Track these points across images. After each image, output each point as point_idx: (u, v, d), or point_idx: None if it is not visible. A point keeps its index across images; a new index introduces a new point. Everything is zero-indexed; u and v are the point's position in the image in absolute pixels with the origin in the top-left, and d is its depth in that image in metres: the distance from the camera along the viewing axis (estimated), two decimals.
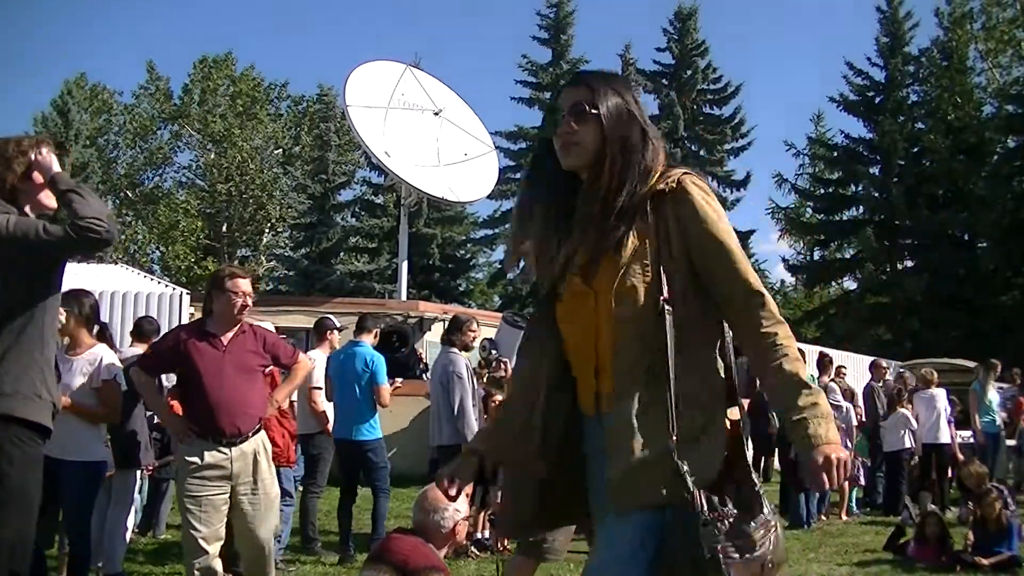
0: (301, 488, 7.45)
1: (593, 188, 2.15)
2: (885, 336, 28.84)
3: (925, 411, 10.60)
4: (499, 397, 7.68)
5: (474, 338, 7.31)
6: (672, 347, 2.03)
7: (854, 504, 10.57)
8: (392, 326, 13.66)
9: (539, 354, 2.23)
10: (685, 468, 1.97)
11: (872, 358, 13.57)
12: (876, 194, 29.37)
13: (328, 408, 7.19)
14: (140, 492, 7.08)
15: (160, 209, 37.30)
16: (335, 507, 7.15)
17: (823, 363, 10.29)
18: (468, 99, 17.69)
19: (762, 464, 12.42)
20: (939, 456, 10.63)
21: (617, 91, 2.17)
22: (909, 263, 30.15)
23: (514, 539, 5.21)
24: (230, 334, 4.59)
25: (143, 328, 6.69)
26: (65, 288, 3.50)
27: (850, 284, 32.45)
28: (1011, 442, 12.43)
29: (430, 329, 14.55)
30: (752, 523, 2.01)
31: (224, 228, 37.08)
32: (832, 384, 10.10)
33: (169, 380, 5.71)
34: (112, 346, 5.20)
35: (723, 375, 2.21)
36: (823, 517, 9.69)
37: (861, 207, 30.70)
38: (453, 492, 2.34)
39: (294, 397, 7.51)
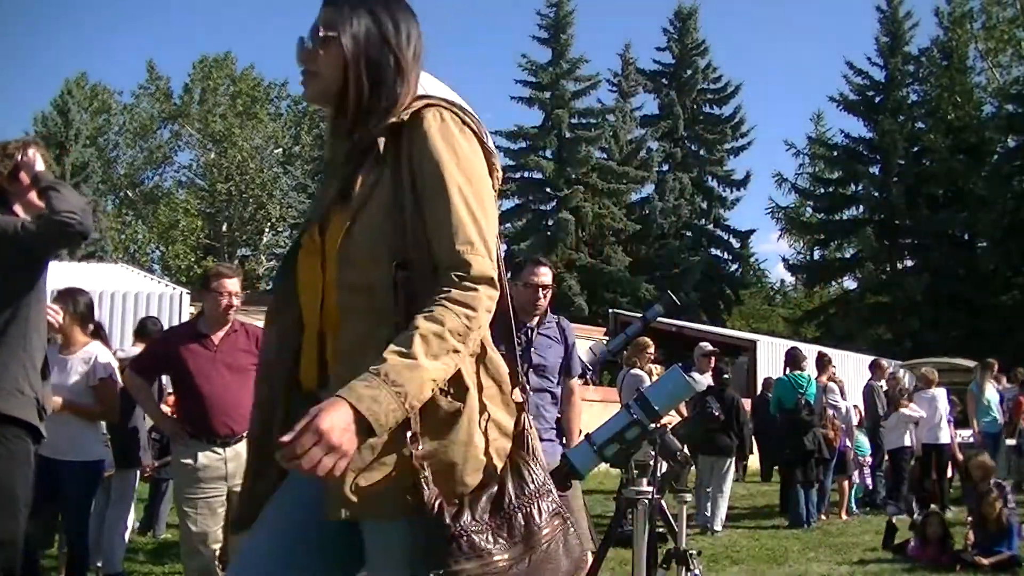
0: None
1: (337, 126, 1.81)
2: (885, 336, 28.85)
3: (926, 411, 10.60)
4: None
5: None
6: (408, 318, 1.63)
7: (854, 504, 10.57)
8: None
9: (281, 320, 1.83)
10: (427, 471, 1.60)
11: (872, 358, 13.56)
12: (876, 194, 29.40)
13: None
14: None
15: (160, 209, 37.30)
16: None
17: (822, 363, 10.28)
18: (468, 99, 17.72)
19: (754, 463, 12.43)
20: (939, 456, 10.63)
21: (373, 11, 1.78)
22: (909, 263, 30.17)
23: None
24: (221, 334, 4.57)
25: (147, 328, 6.67)
26: (63, 286, 3.52)
27: (850, 284, 32.50)
28: (1011, 442, 12.42)
29: None
30: (501, 540, 1.64)
31: (224, 228, 37.08)
32: (832, 384, 10.10)
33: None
34: (107, 344, 5.18)
35: (490, 351, 1.76)
36: (823, 516, 9.69)
37: (861, 207, 30.73)
38: None
39: None
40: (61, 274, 6.70)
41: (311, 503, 1.68)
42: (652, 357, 8.42)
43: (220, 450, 4.46)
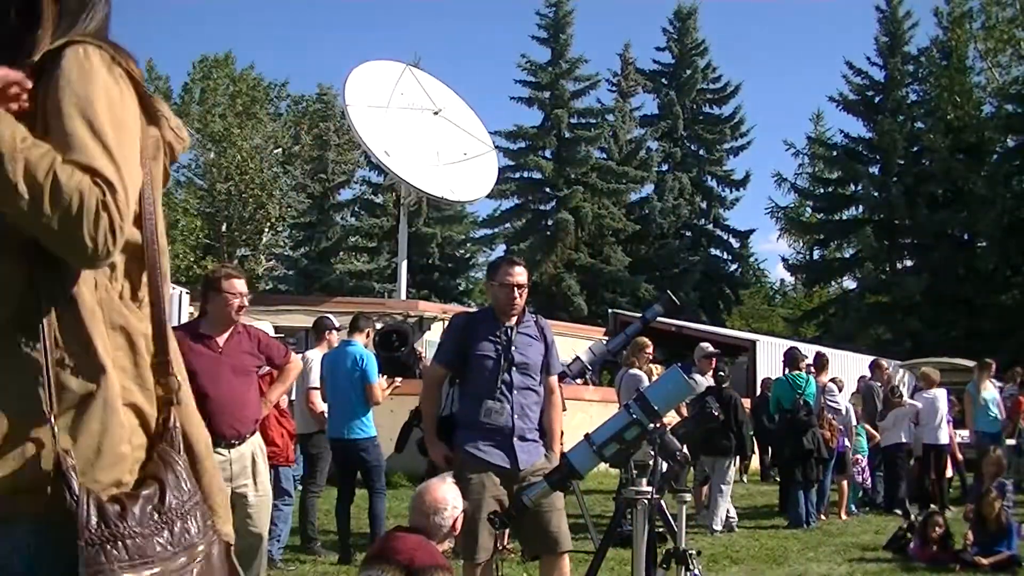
0: (300, 488, 7.46)
1: None
2: (885, 335, 28.84)
3: (926, 411, 10.61)
4: None
5: None
6: (46, 290, 1.41)
7: (853, 504, 10.57)
8: (391, 325, 13.66)
9: None
10: (71, 461, 1.37)
11: (872, 357, 13.57)
12: (875, 193, 29.39)
13: (326, 408, 7.18)
14: None
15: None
16: (335, 506, 7.15)
17: (820, 362, 10.28)
18: (467, 98, 17.68)
19: (752, 462, 12.40)
20: (938, 456, 10.64)
21: None
22: (908, 262, 30.16)
23: None
24: (225, 335, 4.55)
25: None
26: None
27: (850, 283, 32.48)
28: (1011, 441, 12.43)
29: (429, 328, 14.57)
30: (164, 547, 1.42)
31: (224, 227, 37.07)
32: (831, 384, 10.10)
33: None
34: None
35: (133, 329, 1.51)
36: (823, 516, 9.69)
37: (860, 206, 30.73)
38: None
39: (293, 396, 7.53)
40: None
41: None
42: (651, 357, 8.42)
43: (225, 452, 4.42)
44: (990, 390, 11.68)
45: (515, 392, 4.16)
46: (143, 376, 1.51)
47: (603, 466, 3.64)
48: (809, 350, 11.64)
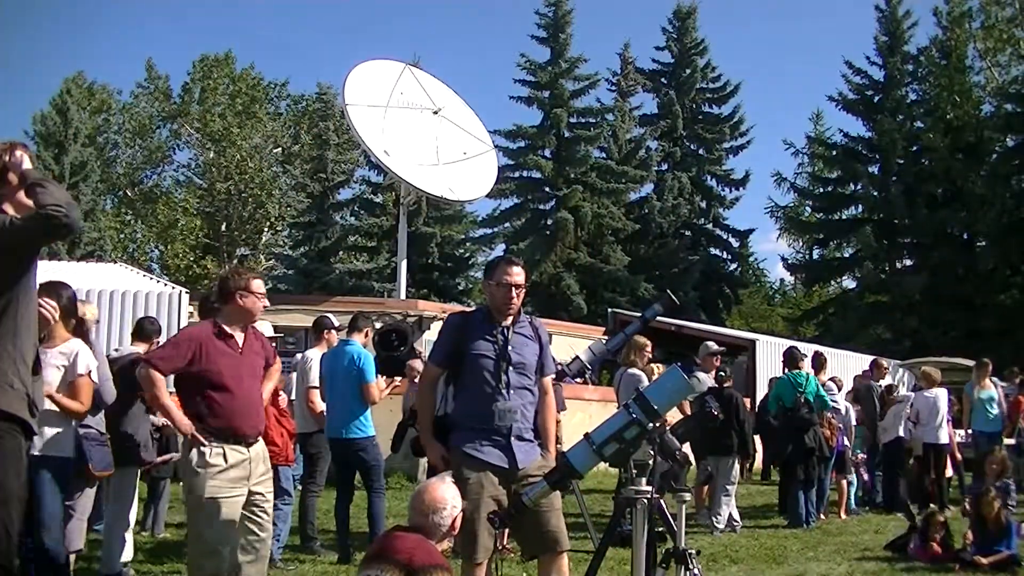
0: (300, 487, 7.45)
1: None
2: (884, 335, 28.83)
3: (927, 411, 10.61)
4: None
5: None
6: None
7: (853, 503, 10.57)
8: (391, 325, 13.58)
9: None
10: None
11: (872, 357, 13.57)
12: (875, 193, 29.39)
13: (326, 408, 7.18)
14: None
15: (159, 208, 37.29)
16: (334, 506, 7.14)
17: (819, 362, 10.28)
18: (467, 98, 17.67)
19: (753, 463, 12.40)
20: (938, 456, 10.64)
21: None
22: (908, 262, 30.16)
23: None
24: (241, 336, 4.60)
25: (144, 328, 6.65)
26: (46, 280, 3.58)
27: (849, 283, 32.47)
28: (1010, 441, 12.43)
29: (429, 328, 14.54)
30: None
31: (223, 227, 37.07)
32: (830, 384, 10.10)
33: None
34: (87, 341, 5.11)
35: None
36: (822, 516, 9.69)
37: (860, 206, 30.71)
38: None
39: (292, 396, 7.53)
40: (61, 274, 6.67)
41: None
42: (650, 357, 8.40)
43: (246, 450, 4.48)
44: (989, 389, 11.68)
45: (512, 392, 4.16)
46: None
47: (603, 466, 3.64)
48: (808, 349, 11.63)
